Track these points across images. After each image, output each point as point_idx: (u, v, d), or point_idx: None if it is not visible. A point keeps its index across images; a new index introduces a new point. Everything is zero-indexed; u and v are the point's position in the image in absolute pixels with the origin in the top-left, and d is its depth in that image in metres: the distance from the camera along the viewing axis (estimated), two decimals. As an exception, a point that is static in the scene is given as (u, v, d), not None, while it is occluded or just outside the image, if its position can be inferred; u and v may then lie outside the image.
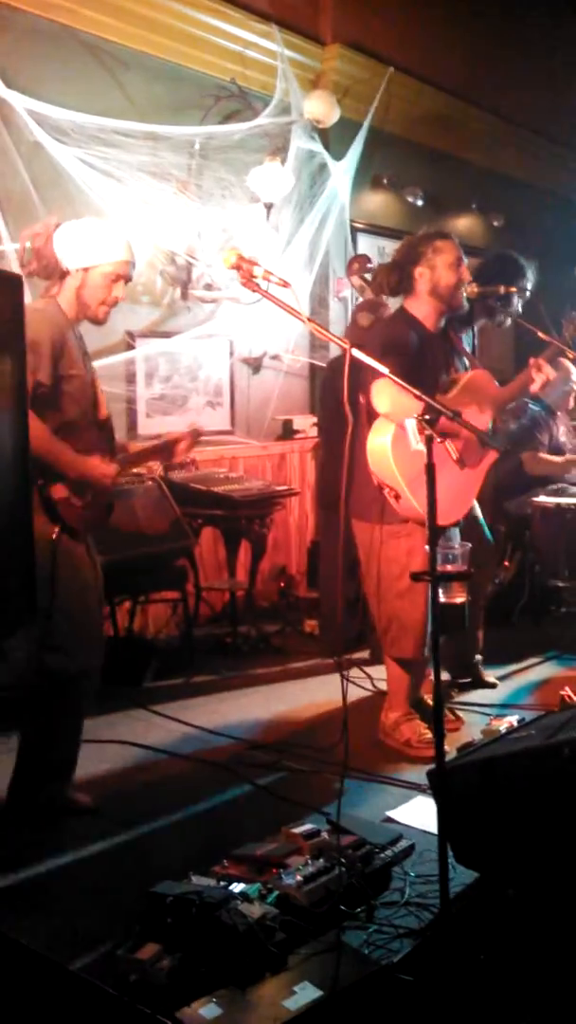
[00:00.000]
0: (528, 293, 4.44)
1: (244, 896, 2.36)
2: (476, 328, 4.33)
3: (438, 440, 2.30)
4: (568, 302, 4.90)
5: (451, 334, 3.89)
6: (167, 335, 5.40)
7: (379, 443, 3.55)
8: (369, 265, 5.36)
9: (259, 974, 2.17)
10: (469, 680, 4.40)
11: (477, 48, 7.21)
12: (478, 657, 4.43)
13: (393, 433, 3.51)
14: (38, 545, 2.76)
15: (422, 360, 3.63)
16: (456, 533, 3.76)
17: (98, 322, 3.12)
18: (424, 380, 3.25)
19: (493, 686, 4.45)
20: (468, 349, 4.14)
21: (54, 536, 2.93)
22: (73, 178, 4.63)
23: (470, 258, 3.92)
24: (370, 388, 3.51)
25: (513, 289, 4.24)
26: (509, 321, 4.37)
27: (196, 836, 3.05)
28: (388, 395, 3.46)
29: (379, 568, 3.72)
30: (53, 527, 2.93)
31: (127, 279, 3.11)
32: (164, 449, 3.36)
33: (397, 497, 3.54)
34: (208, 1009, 2.05)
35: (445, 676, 4.46)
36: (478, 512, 4.09)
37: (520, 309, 4.38)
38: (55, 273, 3.04)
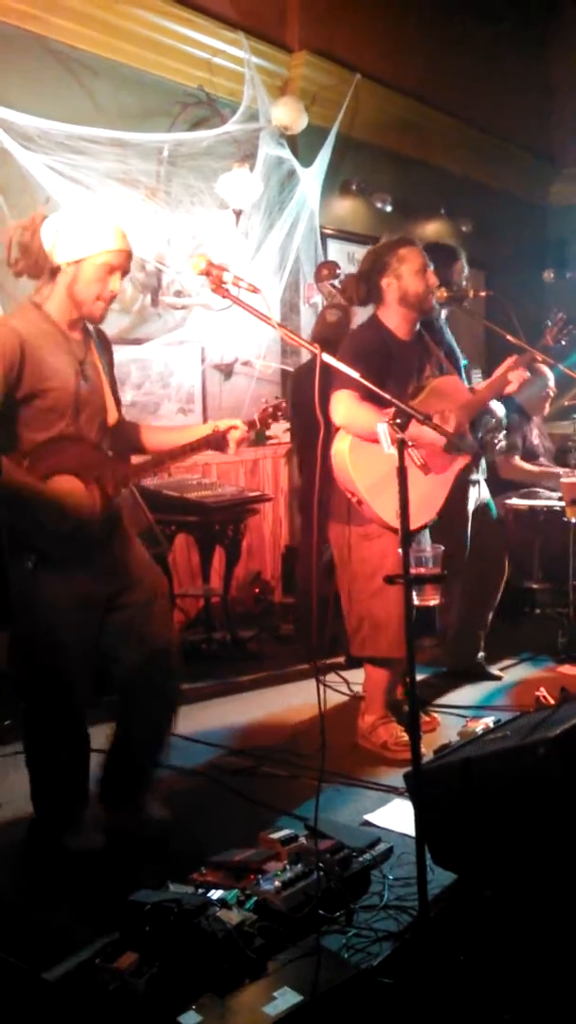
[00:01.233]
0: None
1: (222, 903, 2.36)
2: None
3: (409, 445, 2.32)
4: (536, 305, 4.95)
5: (426, 339, 3.90)
6: (138, 342, 5.39)
7: (338, 449, 3.61)
8: (338, 271, 5.38)
9: (239, 980, 2.16)
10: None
11: (443, 54, 7.27)
12: (481, 654, 4.61)
13: (351, 440, 3.56)
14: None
15: (389, 369, 3.63)
16: (427, 536, 3.79)
17: (95, 320, 2.85)
18: (389, 389, 3.27)
19: (498, 678, 4.60)
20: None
21: (29, 565, 2.71)
22: (42, 185, 4.61)
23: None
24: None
25: (483, 293, 4.28)
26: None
27: (174, 843, 3.04)
28: (344, 406, 3.50)
29: (351, 569, 3.75)
30: (27, 557, 2.70)
31: (124, 271, 2.80)
32: (212, 441, 3.00)
33: (360, 502, 3.59)
34: (188, 1017, 2.04)
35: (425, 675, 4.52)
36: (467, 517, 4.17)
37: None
38: (44, 270, 2.77)
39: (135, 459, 3.08)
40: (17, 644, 2.83)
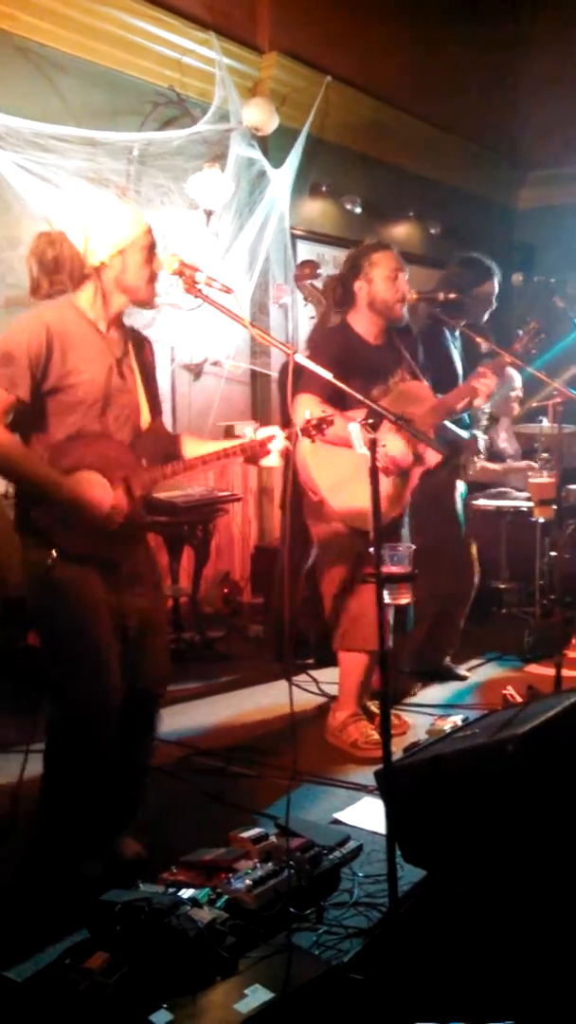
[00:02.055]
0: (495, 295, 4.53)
1: (193, 901, 2.36)
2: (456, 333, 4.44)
3: (382, 444, 2.35)
4: (504, 308, 4.99)
5: (398, 345, 3.91)
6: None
7: (299, 449, 3.63)
8: (319, 272, 5.40)
9: (210, 978, 2.17)
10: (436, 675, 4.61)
11: (413, 57, 7.31)
12: (447, 659, 4.65)
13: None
14: (31, 573, 2.65)
15: (350, 375, 3.64)
16: (405, 534, 3.84)
17: (150, 304, 2.79)
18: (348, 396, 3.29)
19: (464, 679, 4.63)
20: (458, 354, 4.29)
21: (49, 562, 2.60)
22: (10, 184, 4.58)
23: (410, 265, 3.96)
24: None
25: (453, 296, 4.29)
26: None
27: (144, 843, 3.03)
28: (306, 409, 3.51)
29: (324, 566, 3.79)
30: (48, 553, 2.61)
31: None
32: (247, 449, 2.84)
33: (321, 501, 3.63)
34: (159, 1015, 2.05)
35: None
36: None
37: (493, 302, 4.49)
38: (78, 277, 2.67)
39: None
40: (48, 645, 2.75)
